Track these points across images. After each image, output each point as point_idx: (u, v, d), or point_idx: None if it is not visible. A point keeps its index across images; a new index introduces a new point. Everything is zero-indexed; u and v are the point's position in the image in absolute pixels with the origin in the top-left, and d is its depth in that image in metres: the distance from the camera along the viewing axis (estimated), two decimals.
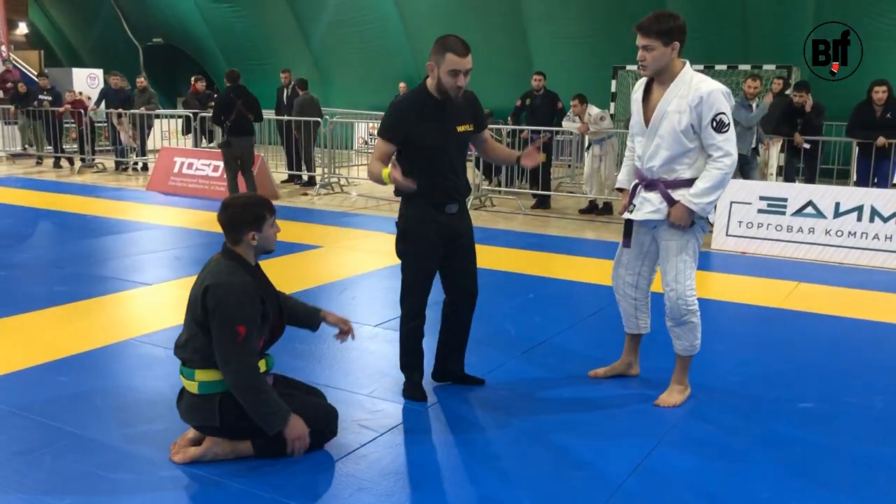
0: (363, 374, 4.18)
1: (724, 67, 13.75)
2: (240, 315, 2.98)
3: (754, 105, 8.55)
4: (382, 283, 6.18)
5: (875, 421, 3.73)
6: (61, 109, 14.30)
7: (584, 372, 4.26)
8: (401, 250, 3.73)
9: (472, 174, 10.86)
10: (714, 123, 3.48)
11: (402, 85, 16.73)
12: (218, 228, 3.19)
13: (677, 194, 3.60)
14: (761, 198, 7.96)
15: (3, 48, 17.90)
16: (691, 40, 14.45)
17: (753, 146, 8.62)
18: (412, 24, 17.52)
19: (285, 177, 12.79)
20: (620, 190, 4.02)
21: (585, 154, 10.16)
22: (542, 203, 10.67)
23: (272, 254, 3.30)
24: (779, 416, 3.75)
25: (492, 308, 5.25)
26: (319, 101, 12.69)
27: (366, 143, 17.48)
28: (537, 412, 3.75)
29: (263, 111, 10.17)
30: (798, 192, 7.90)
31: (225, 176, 10.21)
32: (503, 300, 5.73)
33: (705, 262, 7.44)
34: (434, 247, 3.68)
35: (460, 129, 3.68)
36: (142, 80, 13.75)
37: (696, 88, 3.51)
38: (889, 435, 3.56)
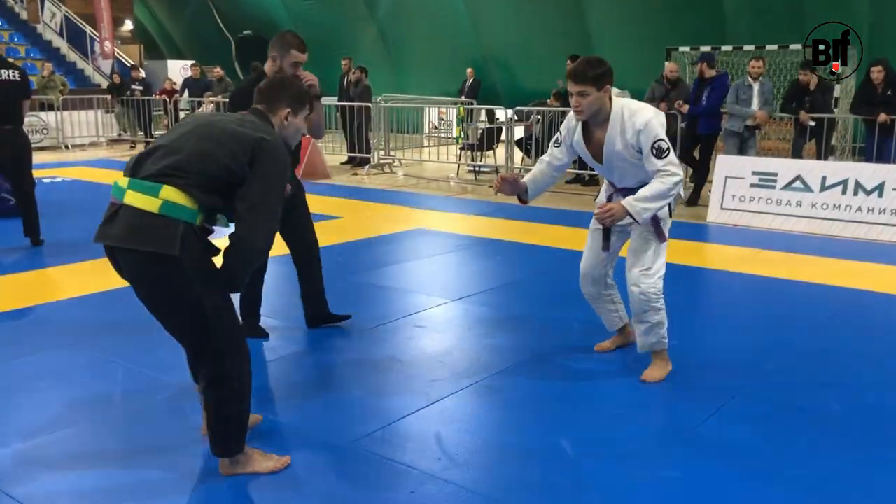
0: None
1: (774, 48, 13.79)
2: (285, 181, 2.83)
3: (755, 86, 8.90)
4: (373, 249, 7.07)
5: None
6: (155, 97, 15.89)
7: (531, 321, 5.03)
8: None
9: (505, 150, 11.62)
10: (654, 151, 3.56)
11: (469, 70, 16.74)
12: None
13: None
14: (753, 172, 8.36)
15: (108, 44, 19.72)
16: (742, 21, 14.75)
17: (750, 124, 8.96)
18: (475, 9, 18.18)
19: (345, 158, 13.83)
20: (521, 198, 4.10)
21: None
22: None
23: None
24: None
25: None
26: (372, 88, 13.63)
27: (436, 127, 18.13)
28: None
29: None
30: (788, 167, 8.25)
31: None
32: (472, 259, 6.54)
33: (699, 233, 7.95)
34: None
35: None
36: (217, 71, 15.12)
37: (631, 124, 3.61)
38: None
